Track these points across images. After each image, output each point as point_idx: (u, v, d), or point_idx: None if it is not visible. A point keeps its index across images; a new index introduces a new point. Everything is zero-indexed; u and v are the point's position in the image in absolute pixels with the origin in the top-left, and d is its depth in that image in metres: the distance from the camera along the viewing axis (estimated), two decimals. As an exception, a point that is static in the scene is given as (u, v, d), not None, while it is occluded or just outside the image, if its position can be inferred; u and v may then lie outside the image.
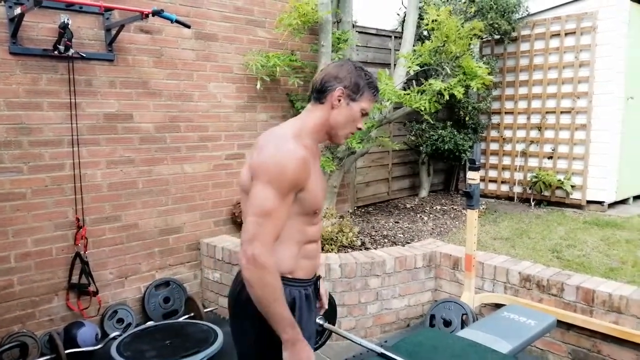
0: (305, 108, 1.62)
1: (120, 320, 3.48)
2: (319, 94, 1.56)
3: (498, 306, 3.38)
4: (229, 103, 4.17)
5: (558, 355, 3.27)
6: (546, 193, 5.48)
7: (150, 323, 3.41)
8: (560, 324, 3.07)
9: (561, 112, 5.40)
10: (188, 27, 3.39)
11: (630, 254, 3.96)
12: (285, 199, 1.42)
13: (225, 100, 4.14)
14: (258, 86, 4.09)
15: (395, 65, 5.15)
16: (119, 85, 3.54)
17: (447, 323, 3.12)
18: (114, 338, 3.11)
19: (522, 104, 5.74)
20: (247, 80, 4.23)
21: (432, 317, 3.27)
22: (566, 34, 5.31)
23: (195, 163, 4.01)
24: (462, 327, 2.91)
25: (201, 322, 3.33)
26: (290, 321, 1.43)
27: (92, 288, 3.32)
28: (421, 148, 5.49)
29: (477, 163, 3.18)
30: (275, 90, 4.47)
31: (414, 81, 4.32)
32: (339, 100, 1.55)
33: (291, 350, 1.42)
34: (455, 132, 5.52)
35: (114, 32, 3.40)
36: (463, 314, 3.08)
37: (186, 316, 3.62)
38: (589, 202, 5.30)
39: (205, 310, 3.69)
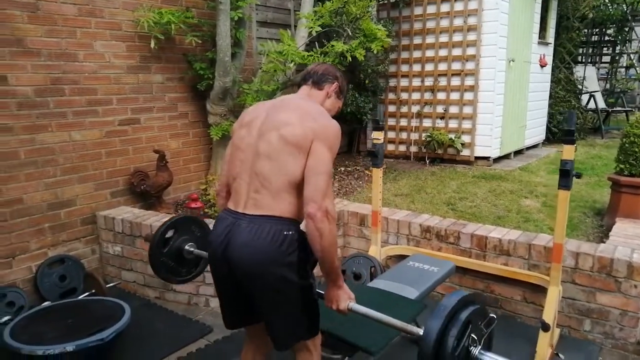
0: (304, 89, 1.99)
1: (11, 304, 3.16)
2: (319, 82, 1.98)
3: (402, 257, 3.57)
4: (119, 63, 3.84)
5: (456, 297, 3.56)
6: (439, 151, 5.83)
7: (46, 304, 3.14)
8: (457, 269, 3.33)
9: (452, 75, 5.72)
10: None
11: (514, 203, 4.37)
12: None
13: (115, 60, 3.81)
14: (152, 45, 3.81)
15: (294, 26, 5.08)
16: (-13, 43, 3.10)
17: (357, 276, 3.24)
18: (6, 323, 2.82)
19: (416, 67, 5.98)
20: (139, 38, 3.92)
21: (343, 272, 3.37)
22: (455, -1, 5.58)
23: (85, 130, 3.68)
24: (372, 279, 3.04)
25: (105, 298, 3.13)
26: (340, 268, 1.80)
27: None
28: (323, 111, 5.52)
29: (381, 123, 3.28)
30: (171, 50, 4.20)
31: (316, 43, 4.29)
32: (334, 92, 2.01)
33: (342, 289, 1.81)
34: (357, 95, 5.63)
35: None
36: (371, 267, 3.21)
37: (86, 293, 3.37)
38: (477, 158, 5.74)
39: (107, 285, 3.47)
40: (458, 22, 5.58)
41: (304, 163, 1.71)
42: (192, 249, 2.41)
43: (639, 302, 2.90)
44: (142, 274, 3.62)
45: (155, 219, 3.60)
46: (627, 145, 3.67)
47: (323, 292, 1.86)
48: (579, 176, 2.67)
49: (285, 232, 1.72)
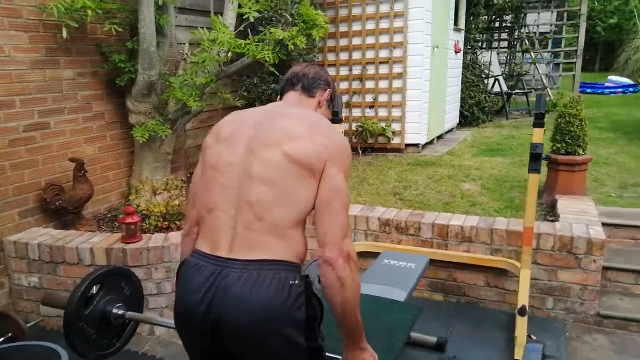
0: (292, 95, 1.64)
1: None
2: (310, 87, 1.64)
3: (363, 254, 3.41)
4: (22, 58, 3.23)
5: (418, 290, 3.48)
6: (370, 140, 5.76)
7: (-49, 359, 2.54)
8: (422, 261, 3.24)
9: (380, 63, 5.65)
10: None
11: (455, 188, 4.40)
12: None
13: (16, 54, 3.19)
14: (64, 35, 3.23)
15: (215, 13, 4.66)
16: None
17: (324, 280, 3.02)
18: None
19: (343, 56, 5.84)
20: (44, 27, 3.33)
21: (307, 276, 3.13)
22: (380, -16, 5.49)
23: (-17, 139, 3.05)
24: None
25: (29, 343, 2.60)
26: (362, 327, 1.43)
27: None
28: (256, 103, 5.20)
29: (339, 115, 3.06)
30: (82, 40, 3.62)
31: (249, 30, 3.95)
32: (326, 101, 1.68)
33: (366, 351, 1.46)
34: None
35: None
36: (338, 269, 3.01)
37: (1, 338, 2.79)
38: (407, 145, 5.75)
39: (28, 325, 2.91)
40: (384, 8, 5.50)
41: (315, 190, 1.38)
42: (121, 311, 1.96)
43: (597, 276, 3.01)
44: (71, 303, 3.09)
45: (81, 240, 3.10)
46: (562, 125, 3.81)
47: (335, 356, 1.53)
48: (547, 159, 2.68)
49: (291, 282, 1.35)
